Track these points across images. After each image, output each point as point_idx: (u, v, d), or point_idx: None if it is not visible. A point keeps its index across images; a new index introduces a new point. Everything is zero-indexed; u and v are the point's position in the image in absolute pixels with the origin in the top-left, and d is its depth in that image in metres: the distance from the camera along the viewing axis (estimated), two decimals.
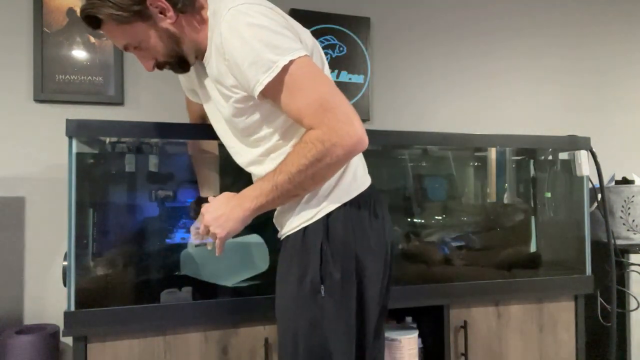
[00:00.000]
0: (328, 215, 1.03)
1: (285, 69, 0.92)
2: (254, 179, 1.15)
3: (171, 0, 1.01)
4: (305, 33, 1.06)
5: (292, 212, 1.05)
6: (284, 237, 1.08)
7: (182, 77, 1.32)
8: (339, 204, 1.03)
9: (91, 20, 1.01)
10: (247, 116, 1.03)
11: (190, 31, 1.05)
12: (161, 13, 1.02)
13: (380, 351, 1.18)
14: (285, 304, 1.05)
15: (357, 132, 0.92)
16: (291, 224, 1.05)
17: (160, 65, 1.10)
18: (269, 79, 0.92)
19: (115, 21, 1.00)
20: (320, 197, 1.03)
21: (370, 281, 1.06)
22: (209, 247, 1.24)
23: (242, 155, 1.12)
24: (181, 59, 1.09)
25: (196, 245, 1.32)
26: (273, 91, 0.95)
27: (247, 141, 1.09)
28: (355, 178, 1.07)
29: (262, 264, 1.45)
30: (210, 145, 1.45)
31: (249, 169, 1.14)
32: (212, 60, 1.03)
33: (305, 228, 1.03)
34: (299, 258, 1.03)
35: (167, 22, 1.03)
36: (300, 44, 0.97)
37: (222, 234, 1.02)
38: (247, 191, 1.01)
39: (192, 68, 1.14)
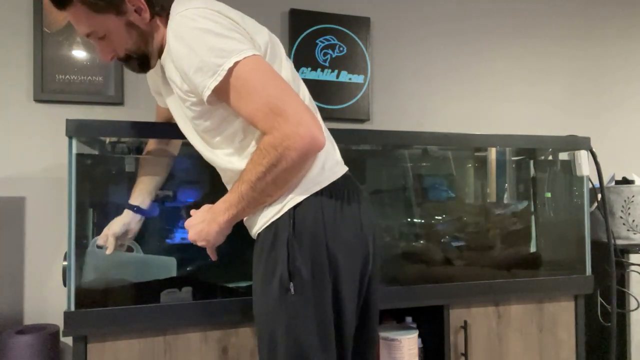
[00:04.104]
0: (295, 208, 0.99)
1: (230, 71, 0.90)
2: (223, 179, 1.16)
3: (150, 2, 1.01)
4: (260, 32, 1.04)
5: (260, 210, 1.03)
6: (255, 235, 1.07)
7: (149, 80, 1.31)
8: (306, 195, 1.00)
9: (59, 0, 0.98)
10: (205, 119, 1.03)
11: (158, 32, 1.06)
12: (136, 11, 1.02)
13: (369, 349, 1.14)
14: (258, 304, 1.03)
15: (308, 132, 0.89)
16: (260, 222, 1.03)
17: (119, 59, 1.08)
18: (215, 83, 0.91)
19: (88, 7, 0.98)
20: (287, 190, 1.00)
21: (345, 276, 1.01)
22: (108, 252, 1.27)
23: (207, 156, 1.11)
24: (144, 58, 1.09)
25: (98, 247, 1.32)
26: (222, 95, 0.94)
27: (211, 142, 1.08)
28: (324, 169, 1.03)
29: (166, 273, 1.44)
30: (167, 151, 1.43)
31: (218, 170, 1.13)
32: (167, 63, 1.02)
33: (272, 224, 1.01)
34: (267, 255, 1.00)
35: (140, 21, 1.03)
36: (248, 44, 0.95)
37: (208, 245, 1.07)
38: (219, 204, 1.03)
39: (157, 69, 1.13)
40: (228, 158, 1.06)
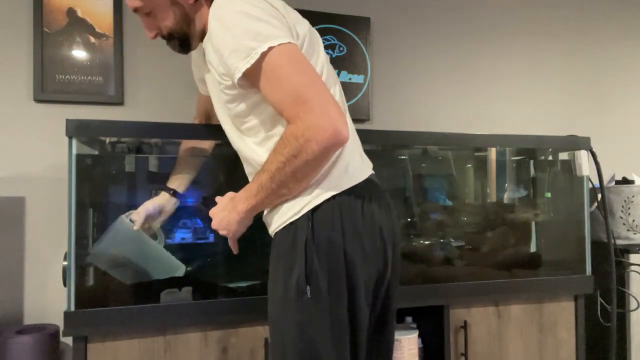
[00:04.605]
0: (314, 210, 0.97)
1: (264, 55, 0.90)
2: (246, 170, 1.15)
3: None
4: (301, 22, 1.04)
5: (279, 208, 1.01)
6: (273, 234, 1.06)
7: (193, 66, 1.33)
8: (326, 197, 0.97)
9: None
10: (237, 104, 1.02)
11: (201, 15, 1.08)
12: None
13: (385, 354, 1.13)
14: (273, 305, 1.02)
15: (332, 125, 0.86)
16: (278, 220, 1.02)
17: (162, 36, 1.12)
18: (247, 65, 0.91)
19: None
20: (307, 190, 0.98)
21: (362, 281, 0.99)
22: (135, 227, 1.31)
23: (234, 142, 1.11)
24: (185, 38, 1.11)
25: (129, 219, 1.34)
26: (253, 79, 0.93)
27: (241, 129, 1.07)
28: (347, 170, 1.00)
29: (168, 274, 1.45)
30: (201, 148, 1.44)
31: (242, 160, 1.13)
32: (208, 46, 1.04)
33: (291, 224, 0.99)
34: (285, 256, 0.99)
35: (184, 1, 1.06)
36: (286, 32, 0.94)
37: (229, 235, 1.06)
38: (240, 193, 1.02)
39: (201, 55, 1.14)
40: (255, 147, 1.05)
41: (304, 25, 1.04)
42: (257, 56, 0.90)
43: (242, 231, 1.07)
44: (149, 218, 1.35)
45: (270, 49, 0.89)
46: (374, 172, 1.12)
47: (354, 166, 1.03)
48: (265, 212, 1.07)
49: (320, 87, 0.90)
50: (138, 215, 1.33)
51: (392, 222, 1.08)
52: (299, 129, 0.88)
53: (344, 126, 0.88)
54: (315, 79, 0.91)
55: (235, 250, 1.11)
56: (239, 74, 0.92)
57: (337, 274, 0.97)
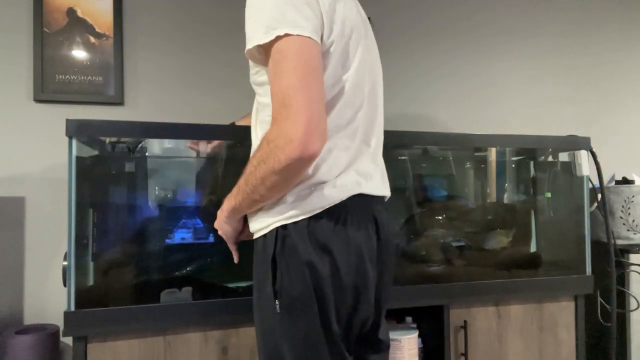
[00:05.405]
0: (286, 227, 0.92)
1: (277, 38, 0.86)
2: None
3: None
4: (344, 20, 0.96)
5: (255, 215, 0.98)
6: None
7: None
8: (299, 218, 0.92)
9: None
10: (254, 73, 0.99)
11: None
12: None
13: None
14: (254, 310, 1.00)
15: (302, 137, 0.80)
16: (252, 228, 0.99)
17: None
18: (259, 42, 0.87)
19: None
20: (280, 207, 0.93)
21: (332, 297, 0.93)
22: (188, 145, 1.43)
23: (253, 113, 1.07)
24: None
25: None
26: (264, 56, 0.91)
27: (258, 100, 1.03)
28: (329, 195, 0.93)
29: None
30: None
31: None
32: None
33: (264, 237, 0.96)
34: (258, 268, 0.97)
35: None
36: (313, 24, 0.88)
37: (223, 236, 1.06)
38: (230, 193, 1.00)
39: None
40: (259, 126, 1.01)
41: (347, 24, 0.96)
42: (271, 37, 0.86)
43: (232, 232, 1.04)
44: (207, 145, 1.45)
45: (286, 35, 0.85)
46: (386, 184, 1.07)
47: (338, 189, 0.95)
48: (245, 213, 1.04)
49: (312, 96, 0.84)
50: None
51: (378, 239, 1.02)
52: (272, 133, 0.84)
53: (318, 142, 0.82)
54: (310, 86, 0.84)
55: (235, 257, 1.08)
56: (249, 46, 0.90)
57: (307, 290, 0.92)
